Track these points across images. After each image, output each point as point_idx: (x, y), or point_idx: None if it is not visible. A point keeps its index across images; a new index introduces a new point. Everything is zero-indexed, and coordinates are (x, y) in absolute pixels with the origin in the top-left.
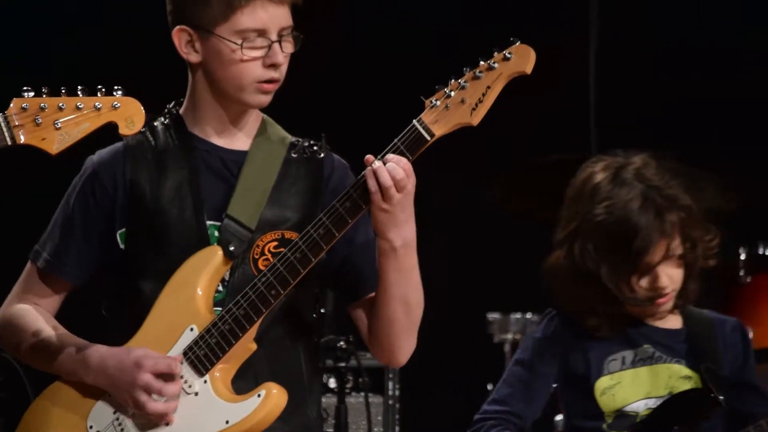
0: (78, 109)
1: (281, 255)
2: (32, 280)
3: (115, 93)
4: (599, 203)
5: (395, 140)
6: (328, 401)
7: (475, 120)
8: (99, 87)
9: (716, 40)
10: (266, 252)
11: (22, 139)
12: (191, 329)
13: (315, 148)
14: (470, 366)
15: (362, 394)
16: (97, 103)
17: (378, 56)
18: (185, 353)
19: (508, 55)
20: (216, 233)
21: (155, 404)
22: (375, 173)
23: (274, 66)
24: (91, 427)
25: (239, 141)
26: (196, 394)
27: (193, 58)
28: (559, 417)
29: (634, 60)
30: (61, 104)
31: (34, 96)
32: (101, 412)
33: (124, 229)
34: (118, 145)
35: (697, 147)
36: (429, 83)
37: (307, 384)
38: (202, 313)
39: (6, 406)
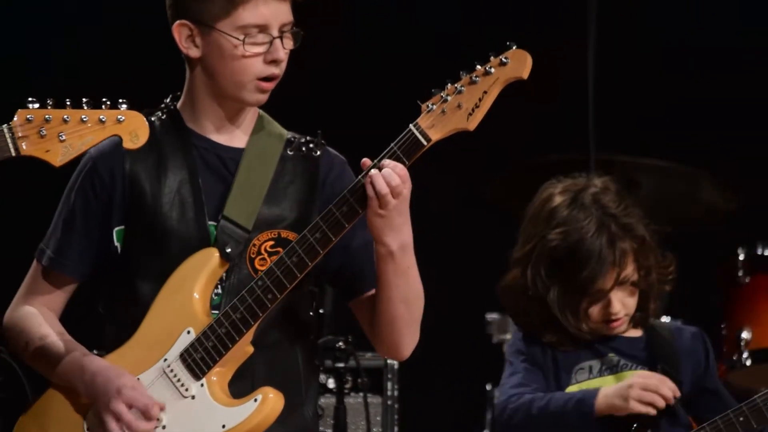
0: (82, 121)
1: (278, 259)
2: (37, 280)
3: (119, 106)
4: (554, 228)
5: (391, 145)
6: (327, 401)
7: (472, 125)
8: (104, 100)
9: (715, 40)
10: (263, 251)
11: (26, 151)
12: (188, 332)
13: (311, 145)
14: (469, 366)
15: (361, 394)
16: (101, 116)
17: (376, 55)
18: (182, 356)
19: (505, 60)
20: (215, 232)
21: None
22: (371, 180)
23: (275, 62)
24: (88, 429)
25: (236, 138)
26: (193, 397)
27: (193, 53)
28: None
29: (632, 60)
30: (65, 116)
31: (39, 107)
32: (91, 416)
33: (122, 227)
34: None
35: (696, 147)
36: (428, 83)
37: (303, 384)
38: (199, 316)
39: (5, 406)
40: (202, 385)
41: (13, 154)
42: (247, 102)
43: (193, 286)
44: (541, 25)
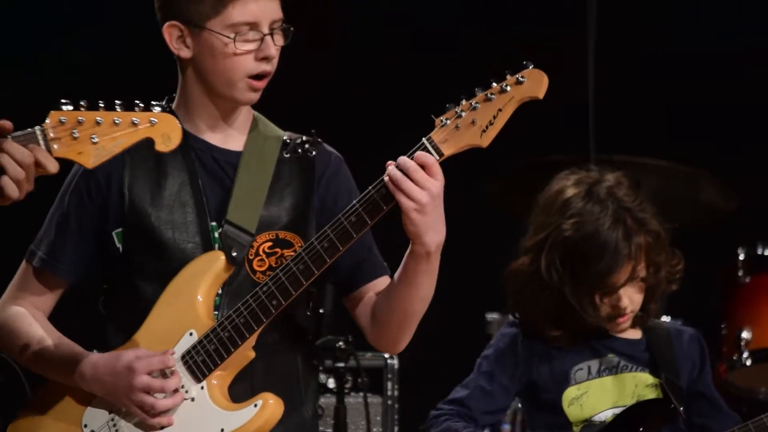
0: (115, 124)
1: (284, 266)
2: (27, 280)
3: (152, 108)
4: (569, 218)
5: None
6: (327, 401)
7: (485, 142)
8: (136, 102)
9: (715, 39)
10: (261, 252)
11: (58, 152)
12: (190, 334)
13: (307, 146)
14: (469, 366)
15: (361, 394)
16: (134, 119)
17: (376, 55)
18: (183, 357)
19: (521, 79)
20: (216, 235)
21: (162, 402)
22: (394, 178)
23: (266, 59)
24: (85, 426)
25: (231, 138)
26: (193, 399)
27: (184, 53)
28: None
29: (632, 60)
30: (98, 118)
31: (72, 109)
32: (96, 411)
33: (121, 229)
34: None
35: (696, 147)
36: (427, 83)
37: (302, 384)
38: (201, 318)
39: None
40: (202, 387)
41: None
42: (239, 101)
43: (197, 289)
44: (541, 25)
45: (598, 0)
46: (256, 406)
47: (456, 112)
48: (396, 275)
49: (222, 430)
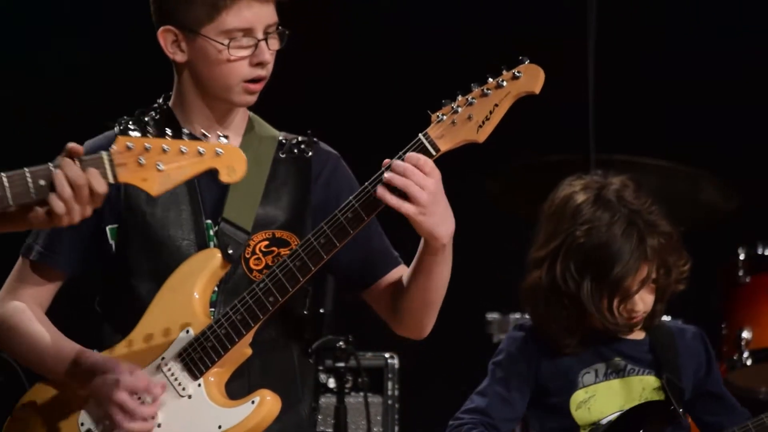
0: (181, 152)
1: (281, 262)
2: (25, 274)
3: (219, 139)
4: (581, 225)
5: (400, 153)
6: (328, 401)
7: (482, 137)
8: (203, 132)
9: (715, 39)
10: (257, 251)
11: (123, 178)
12: (187, 331)
13: (303, 146)
14: (469, 366)
15: (361, 394)
16: (200, 148)
17: (375, 56)
18: (180, 355)
19: (518, 74)
20: (212, 233)
21: (131, 423)
22: (391, 181)
23: (261, 64)
24: (82, 424)
25: (228, 137)
26: (190, 397)
27: (179, 57)
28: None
29: (632, 60)
30: (165, 146)
31: (140, 136)
32: (93, 410)
33: (115, 225)
34: (109, 134)
35: (696, 147)
36: (427, 83)
37: (299, 382)
38: (198, 315)
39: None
40: (199, 385)
41: (111, 180)
42: (235, 104)
43: (194, 286)
44: (541, 25)
45: (598, 0)
46: (253, 402)
47: (452, 107)
48: (412, 267)
49: (219, 427)
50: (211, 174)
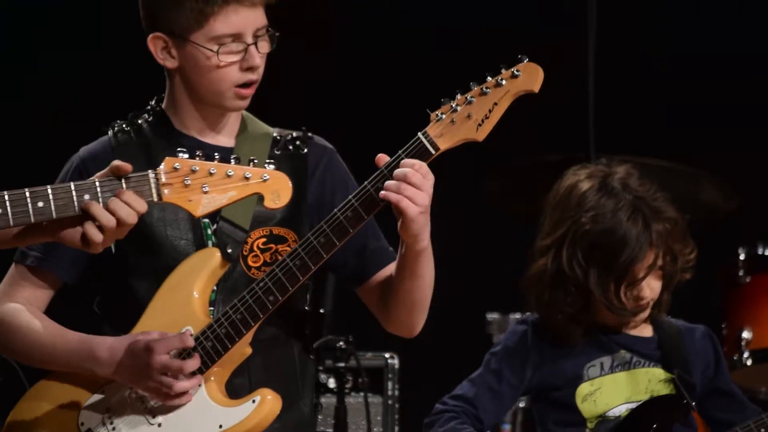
0: (227, 176)
1: (281, 261)
2: (19, 279)
3: (266, 165)
4: (587, 211)
5: (399, 152)
6: (328, 401)
7: (481, 136)
8: (251, 158)
9: (715, 39)
10: (255, 249)
11: (167, 197)
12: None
13: (298, 142)
14: (470, 366)
15: (362, 394)
16: (247, 173)
17: (375, 56)
18: (180, 354)
19: (517, 73)
20: (210, 232)
21: (180, 383)
22: (399, 190)
23: (251, 69)
24: (82, 424)
25: (222, 139)
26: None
27: (170, 63)
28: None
29: (633, 60)
30: (211, 169)
31: (187, 158)
32: (93, 409)
33: None
34: (104, 139)
35: (696, 147)
36: (427, 83)
37: (300, 378)
38: (198, 315)
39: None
40: (199, 384)
41: (155, 199)
42: (228, 109)
43: (193, 285)
44: (541, 25)
45: (598, 0)
46: (254, 402)
47: (451, 106)
48: (396, 270)
49: (220, 426)
50: None
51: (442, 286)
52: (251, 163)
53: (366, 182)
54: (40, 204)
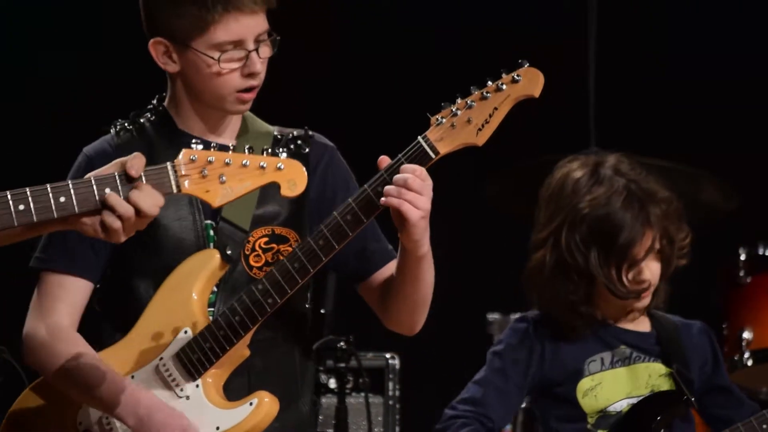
0: (243, 166)
1: (280, 264)
2: (55, 289)
3: (280, 154)
4: (583, 196)
5: (399, 156)
6: (329, 401)
7: (481, 140)
8: (265, 147)
9: (716, 40)
10: (257, 248)
11: (186, 189)
12: (185, 332)
13: (299, 141)
14: (470, 366)
15: (362, 394)
16: (262, 163)
17: (375, 56)
18: (178, 355)
19: (517, 77)
20: (211, 232)
21: None
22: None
23: (252, 75)
24: (80, 423)
25: (224, 138)
26: (188, 398)
27: (171, 68)
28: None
29: (633, 60)
30: (227, 160)
31: (202, 149)
32: (91, 409)
33: None
34: (107, 138)
35: (696, 147)
36: (427, 83)
37: (299, 378)
38: (197, 316)
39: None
40: (197, 385)
41: (174, 191)
42: (229, 112)
43: (192, 287)
44: (541, 26)
45: (598, 0)
46: (251, 404)
47: (452, 110)
48: (397, 274)
49: (217, 428)
50: None
51: (442, 286)
52: (265, 153)
53: (365, 185)
54: (62, 199)
